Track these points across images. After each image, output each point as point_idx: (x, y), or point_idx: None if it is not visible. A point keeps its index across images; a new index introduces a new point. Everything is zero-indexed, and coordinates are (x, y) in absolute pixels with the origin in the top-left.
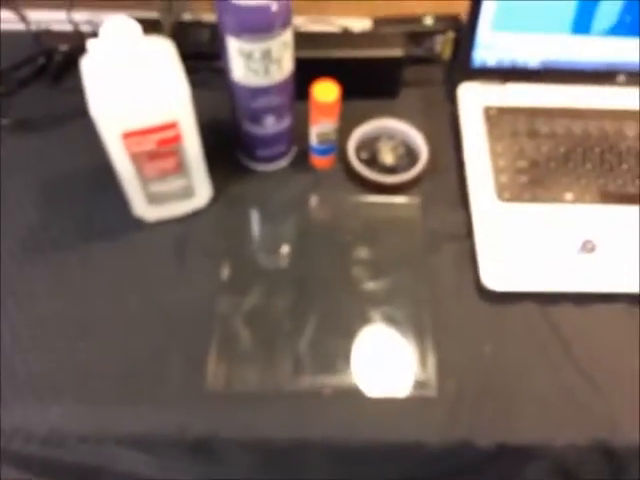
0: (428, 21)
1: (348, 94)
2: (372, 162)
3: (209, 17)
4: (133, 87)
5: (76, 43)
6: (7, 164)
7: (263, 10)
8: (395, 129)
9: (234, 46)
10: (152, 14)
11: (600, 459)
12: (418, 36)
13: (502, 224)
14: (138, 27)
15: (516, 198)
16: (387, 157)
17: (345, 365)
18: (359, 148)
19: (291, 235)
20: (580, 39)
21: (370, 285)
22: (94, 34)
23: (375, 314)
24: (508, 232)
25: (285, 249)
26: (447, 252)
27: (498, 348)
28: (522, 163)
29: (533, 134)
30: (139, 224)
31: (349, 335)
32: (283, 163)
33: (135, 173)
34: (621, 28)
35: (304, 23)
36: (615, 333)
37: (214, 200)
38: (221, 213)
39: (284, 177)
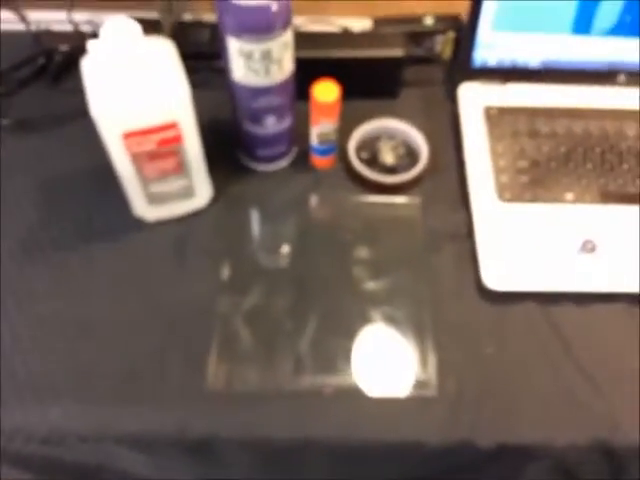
0: (428, 21)
1: (348, 94)
2: (372, 162)
3: (209, 17)
4: (133, 87)
5: (76, 43)
6: (7, 164)
7: (263, 10)
8: (395, 129)
9: (234, 46)
10: (152, 14)
11: (600, 459)
12: (418, 36)
13: (503, 224)
14: (138, 27)
15: (517, 198)
16: (387, 157)
17: (345, 365)
18: (359, 148)
19: (291, 235)
20: (581, 39)
21: (370, 285)
22: (94, 34)
23: (376, 314)
24: (508, 232)
25: (285, 249)
26: (448, 252)
27: (498, 348)
28: (523, 163)
29: (534, 134)
30: (139, 224)
31: (350, 335)
32: (283, 163)
33: (135, 173)
34: (621, 28)
35: (304, 23)
36: (616, 333)
37: (214, 200)
38: (221, 213)
39: (284, 177)
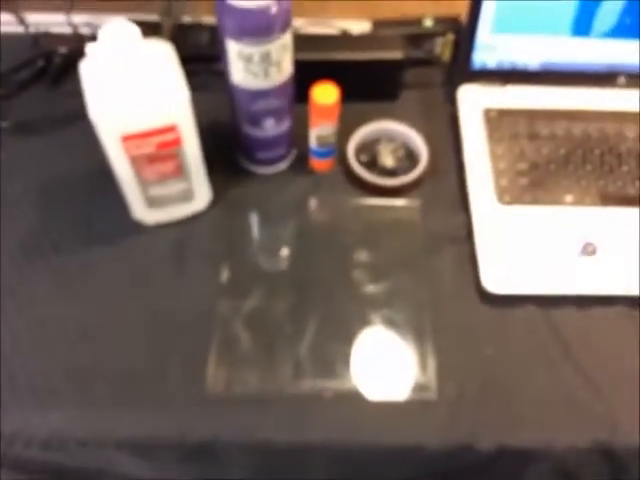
0: (428, 23)
1: (348, 96)
2: (372, 165)
3: (209, 20)
4: (132, 90)
5: (75, 46)
6: (7, 167)
7: (263, 13)
8: (395, 131)
9: (234, 49)
10: (151, 17)
11: (600, 461)
12: (418, 38)
13: (502, 226)
14: (137, 30)
15: (516, 200)
16: (387, 160)
17: (345, 368)
18: (359, 151)
19: (291, 238)
20: (580, 41)
21: (370, 288)
22: (93, 37)
23: (375, 317)
24: (508, 235)
25: (285, 252)
26: (447, 255)
27: (498, 351)
28: (522, 165)
29: (533, 136)
30: (138, 227)
31: (349, 338)
32: (283, 166)
33: (134, 176)
34: (621, 30)
35: (303, 25)
36: (616, 335)
37: (214, 203)
38: (221, 216)
39: (284, 180)
